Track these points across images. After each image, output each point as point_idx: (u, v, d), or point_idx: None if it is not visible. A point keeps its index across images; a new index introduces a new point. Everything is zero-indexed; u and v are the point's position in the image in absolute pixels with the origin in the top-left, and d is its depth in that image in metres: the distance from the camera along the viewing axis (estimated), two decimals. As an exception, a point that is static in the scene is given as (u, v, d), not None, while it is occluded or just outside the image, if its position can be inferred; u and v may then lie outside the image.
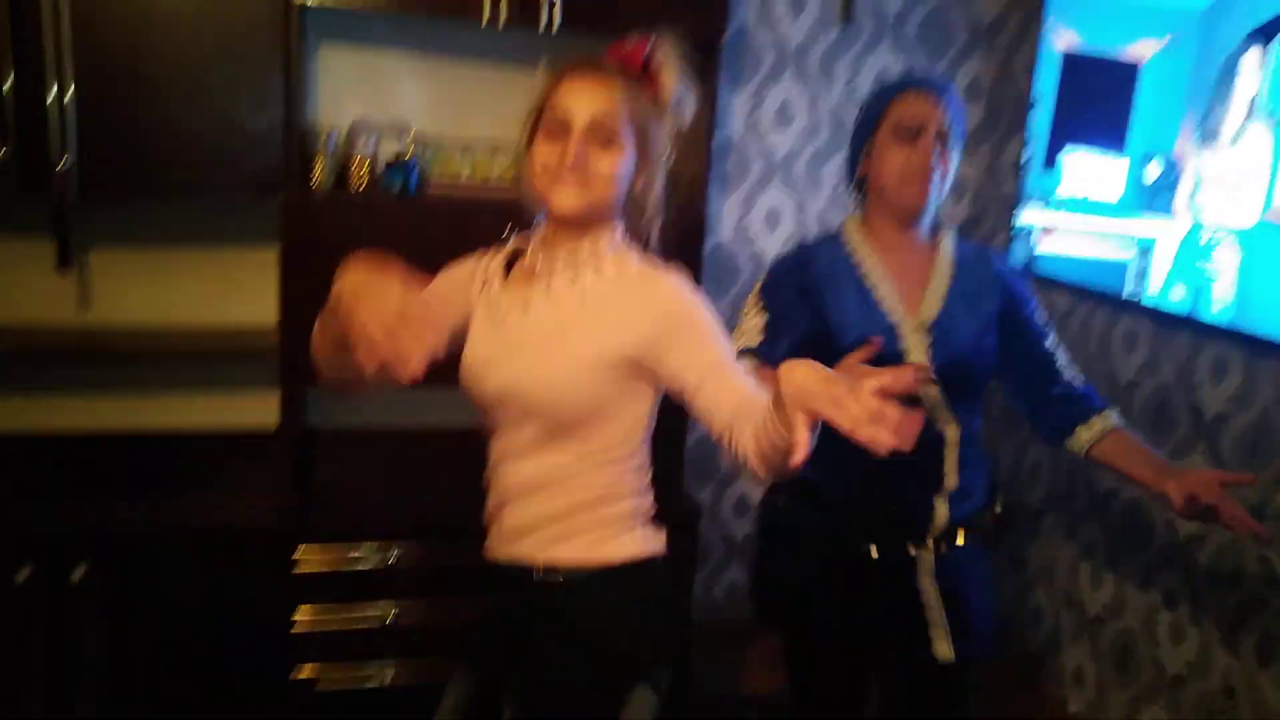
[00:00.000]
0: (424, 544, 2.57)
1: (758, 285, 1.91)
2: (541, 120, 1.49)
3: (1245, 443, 2.33)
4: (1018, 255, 2.93)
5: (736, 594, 3.30)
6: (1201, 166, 2.39)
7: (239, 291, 2.77)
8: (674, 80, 1.52)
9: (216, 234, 2.73)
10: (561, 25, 2.46)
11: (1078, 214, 2.75)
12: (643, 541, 1.59)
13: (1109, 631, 2.78)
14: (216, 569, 2.47)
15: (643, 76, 1.51)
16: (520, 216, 1.64)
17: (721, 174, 2.89)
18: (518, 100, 2.82)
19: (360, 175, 2.62)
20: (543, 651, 1.55)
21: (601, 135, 1.45)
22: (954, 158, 1.82)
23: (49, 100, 2.28)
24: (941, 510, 1.84)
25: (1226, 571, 2.38)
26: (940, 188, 1.82)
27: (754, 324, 1.86)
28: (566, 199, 1.46)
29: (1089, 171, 2.72)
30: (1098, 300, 2.78)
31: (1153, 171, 2.50)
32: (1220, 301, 2.30)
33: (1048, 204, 2.86)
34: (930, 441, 1.82)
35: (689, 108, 1.56)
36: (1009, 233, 3.02)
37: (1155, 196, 2.50)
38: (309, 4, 2.38)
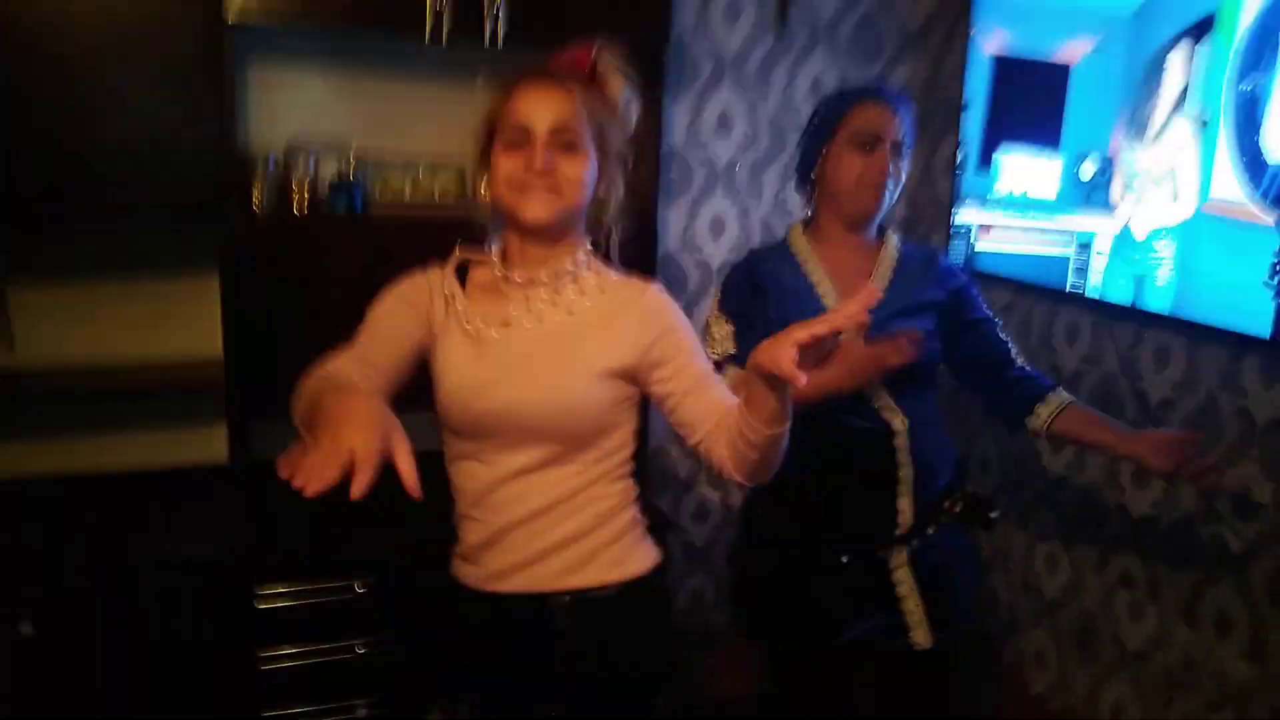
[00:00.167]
0: (389, 574, 2.51)
1: (715, 299, 1.99)
2: (498, 133, 1.48)
3: (1191, 427, 2.42)
4: (956, 253, 3.01)
5: (700, 601, 3.31)
6: (1133, 163, 2.49)
7: (177, 323, 2.67)
8: (620, 84, 1.54)
9: (149, 263, 2.62)
10: (505, 38, 2.43)
11: (1015, 212, 2.83)
12: (651, 551, 1.60)
13: (1068, 613, 2.87)
14: (174, 613, 2.36)
15: (591, 81, 1.52)
16: (469, 232, 1.62)
17: (666, 183, 2.90)
18: (457, 115, 2.79)
19: (302, 197, 2.54)
20: (572, 678, 1.53)
21: (564, 141, 1.45)
22: (905, 167, 1.90)
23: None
24: (905, 509, 1.89)
25: (1181, 549, 2.48)
26: (892, 195, 1.90)
27: (724, 333, 1.93)
28: (538, 208, 1.45)
29: (1025, 170, 2.81)
30: (1038, 294, 2.87)
31: (1088, 169, 2.60)
32: (1160, 292, 2.39)
33: (984, 203, 2.94)
34: (880, 438, 1.86)
35: (635, 111, 1.58)
36: (946, 231, 3.10)
37: (1092, 193, 2.59)
38: (245, 21, 2.29)
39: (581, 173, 1.47)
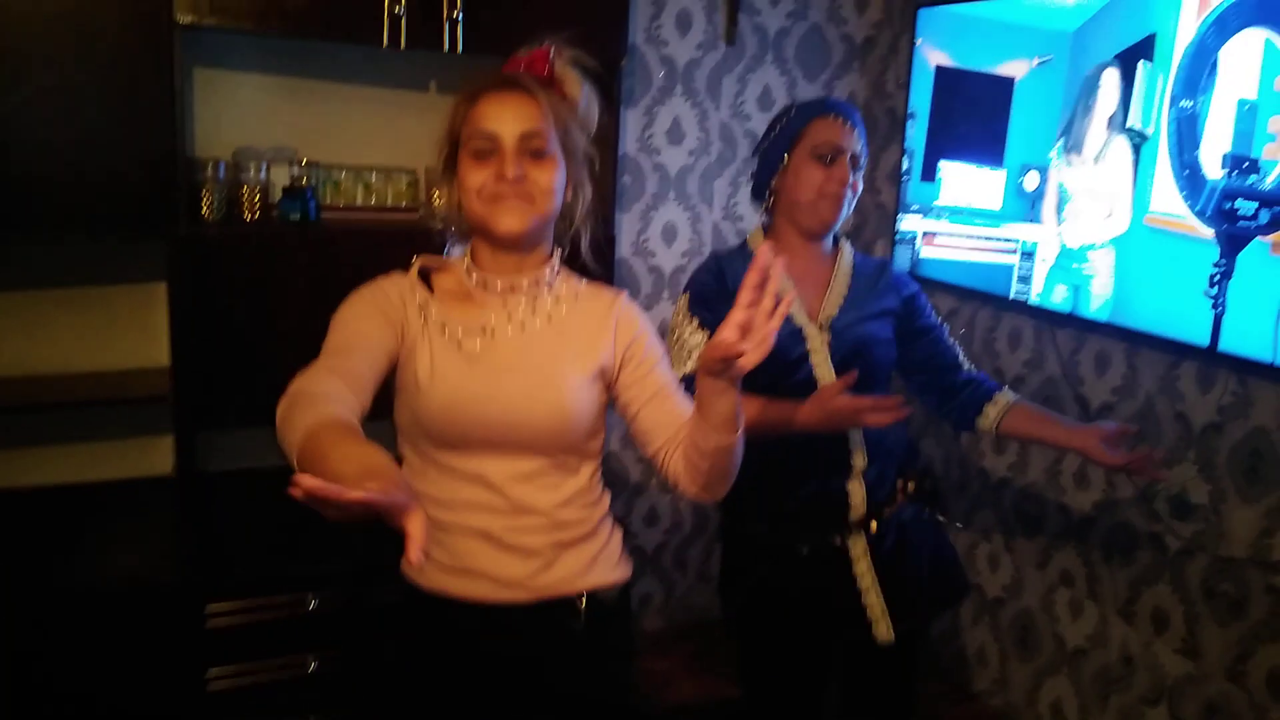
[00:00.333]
0: (341, 588, 2.47)
1: (684, 301, 1.98)
2: (463, 143, 1.46)
3: (1131, 429, 2.53)
4: (901, 259, 3.07)
5: (650, 604, 3.33)
6: (1066, 179, 2.58)
7: (121, 332, 2.59)
8: (579, 84, 1.53)
9: (93, 272, 2.54)
10: (465, 46, 2.41)
11: (960, 220, 2.90)
12: (627, 555, 1.63)
13: (1009, 611, 2.95)
14: (120, 634, 2.29)
15: (551, 84, 1.51)
16: (426, 238, 1.61)
17: (620, 190, 2.91)
18: (408, 120, 2.77)
19: (253, 205, 2.49)
20: (577, 681, 1.53)
21: (533, 149, 1.44)
22: (860, 179, 1.94)
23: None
24: (857, 492, 1.93)
25: (1120, 548, 2.58)
26: (850, 206, 1.94)
27: (699, 340, 1.92)
28: (513, 219, 1.44)
29: (968, 181, 2.88)
30: (981, 300, 2.95)
31: (1031, 181, 2.68)
32: (1098, 299, 2.48)
33: (928, 211, 3.01)
34: (833, 432, 1.90)
35: (595, 110, 1.57)
36: (891, 238, 3.17)
37: (1035, 205, 2.67)
38: (196, 24, 2.24)
39: (552, 179, 1.46)
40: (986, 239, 2.83)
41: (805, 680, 2.07)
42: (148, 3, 2.19)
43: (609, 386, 1.54)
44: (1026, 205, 2.70)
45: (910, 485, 2.03)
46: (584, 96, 1.54)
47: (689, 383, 1.86)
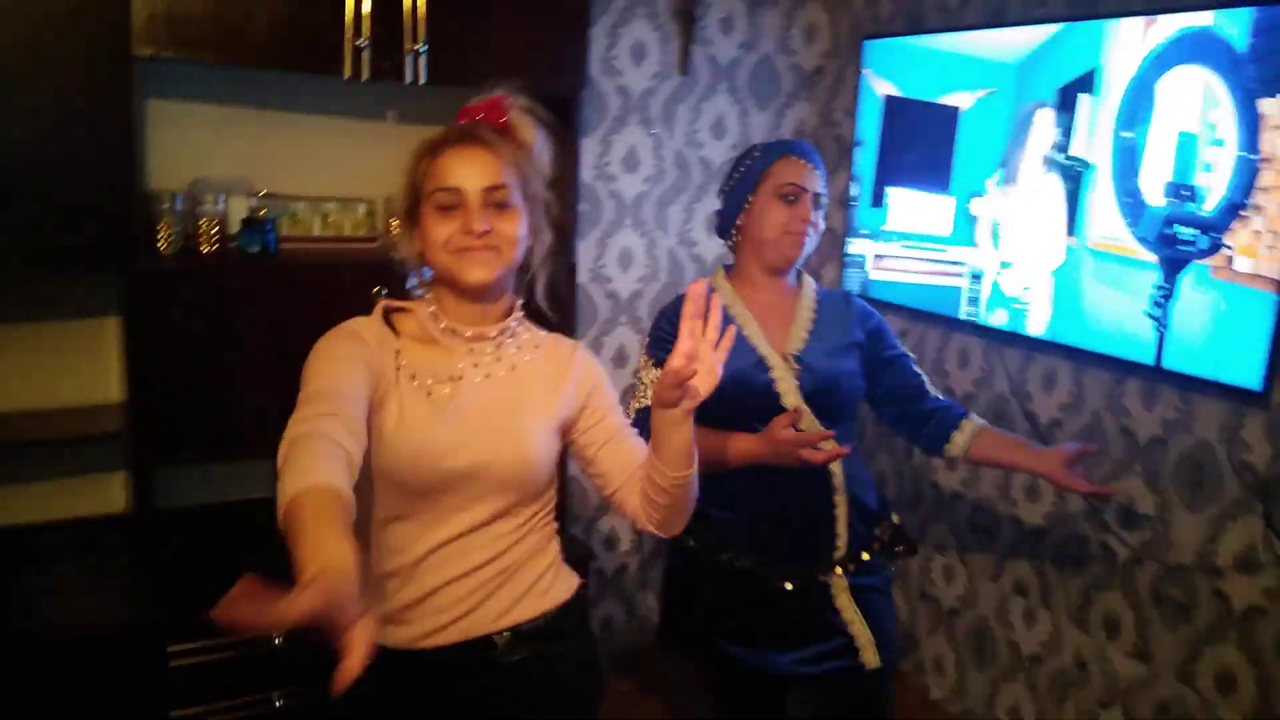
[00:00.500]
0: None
1: (646, 345, 2.05)
2: (425, 196, 1.48)
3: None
4: (851, 281, 3.16)
5: (612, 627, 3.35)
6: (1003, 209, 2.70)
7: (69, 370, 2.52)
8: (532, 129, 1.56)
9: (39, 309, 2.47)
10: (428, 79, 2.43)
11: (909, 244, 3.00)
12: (570, 575, 1.67)
13: (964, 621, 3.05)
14: (80, 678, 2.23)
15: (507, 132, 1.54)
16: (387, 270, 1.61)
17: (577, 217, 2.94)
18: (364, 151, 2.76)
19: (210, 238, 2.46)
20: (523, 709, 1.56)
21: (496, 200, 1.47)
22: (822, 217, 2.01)
23: None
24: (843, 534, 1.99)
25: (1071, 557, 2.68)
26: (813, 243, 2.00)
27: (653, 378, 1.97)
28: (481, 271, 1.47)
29: (915, 206, 2.98)
30: (930, 320, 3.05)
31: (977, 208, 2.79)
32: (1044, 321, 2.59)
33: (876, 236, 3.10)
34: (815, 471, 1.96)
35: (548, 154, 1.60)
36: (840, 262, 3.25)
37: (978, 230, 2.78)
38: (155, 55, 2.21)
39: (517, 230, 1.49)
40: (935, 262, 2.93)
41: (773, 709, 2.13)
42: (106, 35, 2.16)
43: (566, 433, 1.59)
44: (973, 230, 2.81)
45: (886, 535, 2.10)
46: (538, 142, 1.57)
47: (645, 415, 1.91)
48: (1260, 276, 2.10)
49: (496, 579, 1.53)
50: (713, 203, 3.23)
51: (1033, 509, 2.78)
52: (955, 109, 2.84)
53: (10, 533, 2.50)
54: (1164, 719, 2.49)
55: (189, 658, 2.32)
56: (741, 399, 1.92)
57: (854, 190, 3.18)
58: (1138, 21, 2.32)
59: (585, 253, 3.06)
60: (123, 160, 2.23)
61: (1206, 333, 2.22)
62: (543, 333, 1.62)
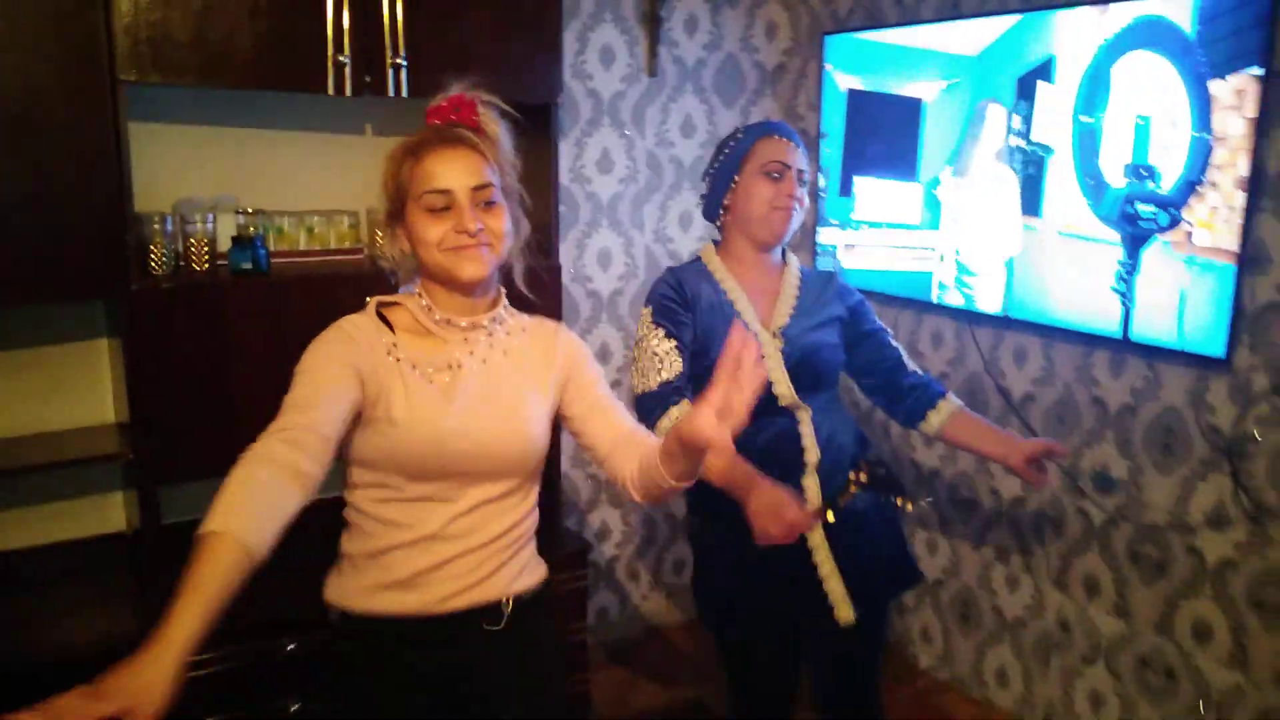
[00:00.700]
0: (317, 628, 2.47)
1: (647, 314, 2.09)
2: (412, 198, 1.54)
3: (1052, 416, 2.76)
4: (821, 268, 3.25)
5: (606, 617, 3.42)
6: (965, 195, 2.82)
7: (62, 393, 2.53)
8: (498, 127, 1.61)
9: (29, 334, 2.47)
10: (409, 91, 2.47)
11: (879, 231, 3.10)
12: (540, 559, 1.75)
13: (949, 590, 3.17)
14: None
15: (481, 133, 1.59)
16: (378, 279, 1.68)
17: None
18: (344, 163, 2.79)
19: (200, 256, 2.49)
20: (516, 676, 1.65)
21: (483, 200, 1.54)
22: (805, 194, 2.09)
23: None
24: (811, 487, 2.06)
25: (1049, 523, 2.81)
26: (798, 218, 2.08)
27: (666, 348, 2.04)
28: (476, 267, 1.54)
29: (883, 195, 3.09)
30: (903, 304, 3.16)
31: (942, 194, 2.90)
32: (1008, 301, 2.71)
33: (845, 225, 3.20)
34: (789, 430, 2.04)
35: (509, 145, 1.63)
36: (811, 252, 3.35)
37: (942, 217, 2.89)
38: (141, 80, 2.23)
39: (504, 225, 1.57)
40: (905, 248, 3.04)
41: (779, 664, 2.21)
42: (90, 61, 2.17)
43: (557, 408, 1.67)
44: (939, 216, 2.92)
45: (862, 475, 2.17)
46: (504, 136, 1.62)
47: (663, 390, 2.00)
48: (1218, 249, 2.23)
49: (508, 549, 1.62)
50: (686, 200, 3.32)
51: (1011, 480, 2.90)
52: (919, 100, 2.94)
53: (11, 556, 2.51)
54: (1144, 671, 2.62)
55: (202, 669, 2.35)
56: None
57: (822, 181, 3.28)
58: (1091, 10, 2.44)
59: (565, 254, 3.12)
60: (113, 185, 2.24)
61: (1170, 304, 2.34)
62: (526, 317, 1.70)
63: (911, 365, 2.22)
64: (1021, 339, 2.82)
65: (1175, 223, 2.31)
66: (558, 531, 2.99)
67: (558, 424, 1.71)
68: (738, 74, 3.34)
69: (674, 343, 2.04)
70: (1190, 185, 2.27)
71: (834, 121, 3.21)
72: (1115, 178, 2.42)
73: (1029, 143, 2.62)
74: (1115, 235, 2.43)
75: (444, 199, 1.51)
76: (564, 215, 3.09)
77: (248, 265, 2.48)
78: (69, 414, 2.56)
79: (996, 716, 3.01)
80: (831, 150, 3.23)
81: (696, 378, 2.03)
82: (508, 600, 1.63)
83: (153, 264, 2.43)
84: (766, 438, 2.02)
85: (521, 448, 1.59)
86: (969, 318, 2.93)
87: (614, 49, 3.10)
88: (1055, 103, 2.54)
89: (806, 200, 2.11)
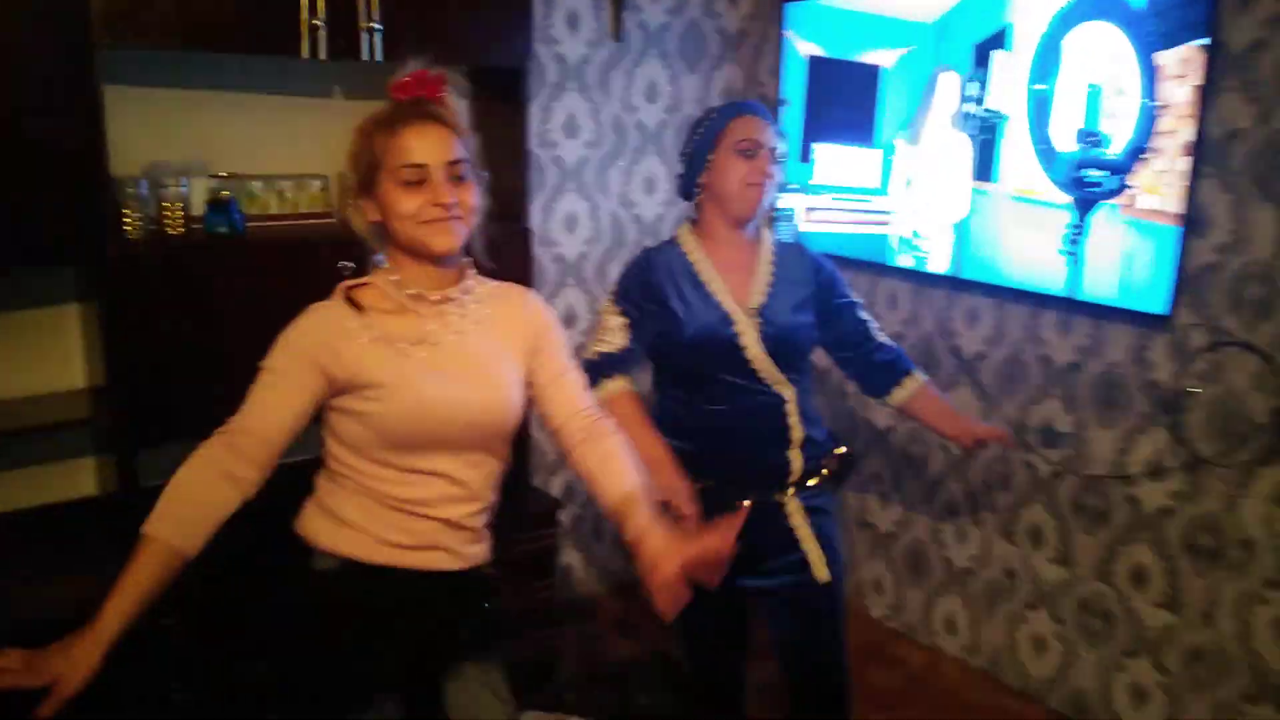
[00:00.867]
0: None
1: (611, 291, 2.19)
2: (386, 171, 1.59)
3: (1002, 374, 2.89)
4: (783, 234, 3.34)
5: (572, 574, 3.51)
6: (911, 163, 2.92)
7: (30, 359, 2.52)
8: (455, 100, 1.68)
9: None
10: (384, 54, 2.49)
11: (838, 196, 3.20)
12: None
13: (900, 543, 3.30)
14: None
15: (444, 106, 1.65)
16: (350, 243, 1.73)
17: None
18: (312, 127, 2.80)
19: (175, 220, 2.49)
20: (471, 622, 1.76)
21: (456, 173, 1.60)
22: (779, 172, 2.17)
23: None
24: (797, 460, 2.18)
25: (998, 477, 2.95)
26: (772, 195, 2.16)
27: (616, 324, 2.14)
28: (449, 239, 1.60)
29: (842, 161, 3.18)
30: (860, 267, 3.26)
31: (899, 160, 2.99)
32: (961, 263, 2.83)
33: (805, 190, 3.29)
34: (774, 406, 2.14)
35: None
36: (770, 215, 3.43)
37: (898, 182, 2.99)
38: (116, 42, 2.22)
39: (475, 198, 1.64)
40: (862, 212, 3.13)
41: (735, 622, 2.34)
42: (66, 25, 2.16)
43: (525, 373, 1.75)
44: (896, 181, 3.02)
45: (833, 465, 2.29)
46: (462, 113, 1.68)
47: (601, 361, 2.10)
48: (1163, 212, 2.36)
49: (486, 514, 1.73)
50: (650, 165, 3.38)
51: (961, 436, 3.03)
52: (877, 67, 3.03)
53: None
54: (1084, 615, 2.78)
55: (178, 630, 2.39)
56: (708, 352, 2.10)
57: (782, 147, 3.35)
58: (1044, -18, 2.54)
59: (532, 218, 3.16)
60: (88, 149, 2.24)
61: (1116, 265, 2.47)
62: (493, 283, 1.76)
63: (881, 338, 2.30)
64: (974, 300, 2.94)
65: (1123, 187, 2.43)
66: (528, 491, 3.06)
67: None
68: (700, 39, 3.39)
69: (625, 321, 2.13)
70: (1138, 151, 2.39)
71: (795, 88, 3.29)
72: (1066, 144, 2.53)
73: (985, 109, 2.72)
74: (1066, 199, 2.55)
75: (418, 173, 1.57)
76: (530, 180, 3.13)
77: (224, 229, 2.49)
78: (37, 380, 2.55)
79: (945, 662, 3.16)
80: (792, 116, 3.31)
81: (664, 354, 2.16)
82: (487, 564, 1.75)
83: (127, 228, 2.43)
84: (753, 415, 2.12)
85: (501, 414, 1.67)
86: (923, 280, 3.04)
87: (580, 13, 3.13)
88: (1010, 70, 2.64)
89: (779, 177, 2.18)
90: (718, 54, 3.44)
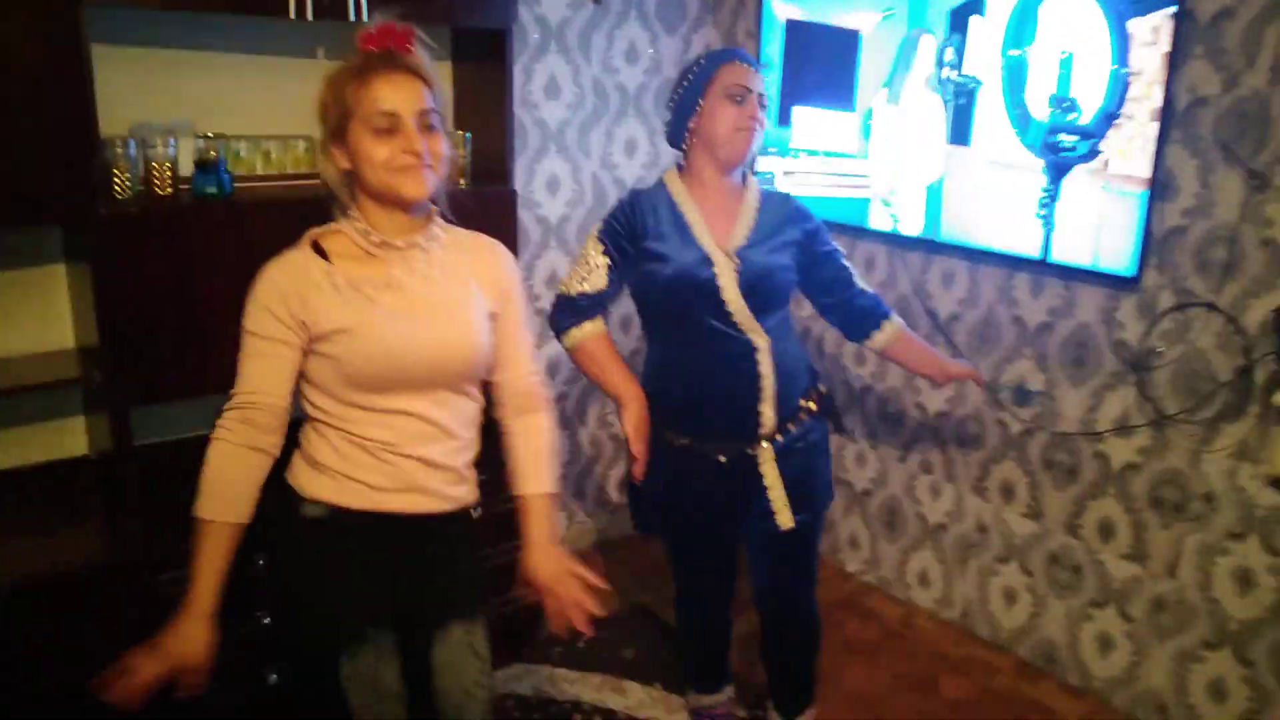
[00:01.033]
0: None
1: (597, 229, 2.22)
2: (358, 119, 1.63)
3: (976, 335, 2.96)
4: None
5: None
6: (890, 125, 2.97)
7: (17, 319, 2.53)
8: (426, 55, 1.71)
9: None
10: (369, 12, 2.49)
11: (817, 159, 3.24)
12: None
13: (876, 500, 3.39)
14: (72, 616, 2.31)
15: (415, 58, 1.70)
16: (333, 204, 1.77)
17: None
18: (295, 88, 2.81)
19: (163, 181, 2.50)
20: (459, 572, 1.86)
21: (426, 123, 1.65)
22: (765, 117, 2.21)
23: None
24: (768, 413, 2.23)
25: (971, 435, 3.03)
26: (759, 140, 2.20)
27: (598, 263, 2.19)
28: (420, 186, 1.66)
29: (821, 124, 3.22)
30: (838, 230, 3.31)
31: (876, 124, 3.04)
32: (936, 226, 2.89)
33: (783, 153, 3.33)
34: (745, 355, 2.20)
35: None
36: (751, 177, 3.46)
37: (875, 144, 3.04)
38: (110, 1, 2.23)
39: (445, 147, 1.69)
40: (841, 175, 3.18)
41: (716, 566, 2.45)
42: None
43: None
44: (873, 144, 3.06)
45: (812, 404, 2.34)
46: (430, 66, 1.72)
47: (581, 301, 2.17)
48: (1132, 177, 2.42)
49: (465, 451, 1.80)
50: (630, 127, 3.41)
51: (935, 395, 3.11)
52: (855, 32, 3.06)
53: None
54: (1054, 568, 2.88)
55: (173, 586, 2.42)
56: (686, 293, 2.15)
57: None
58: (1021, -51, 2.58)
59: (515, 180, 3.18)
60: (76, 109, 2.23)
61: (1087, 228, 2.54)
62: (461, 231, 1.82)
63: (861, 284, 2.37)
64: (949, 262, 3.01)
65: (1095, 153, 2.49)
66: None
67: None
68: (679, 1, 3.41)
69: (608, 261, 2.18)
70: (1109, 117, 2.44)
71: (773, 51, 3.32)
72: (1040, 110, 2.58)
73: (960, 74, 2.77)
74: (1039, 164, 2.61)
75: (390, 120, 1.61)
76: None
77: (213, 189, 2.51)
78: (26, 340, 2.57)
79: (918, 614, 3.26)
80: (770, 79, 3.34)
81: (644, 294, 2.22)
82: (473, 505, 1.83)
83: (117, 189, 2.44)
84: (726, 363, 2.17)
85: (470, 354, 1.73)
86: (900, 242, 3.10)
87: (560, -25, 3.15)
88: (986, 36, 2.69)
89: (767, 123, 2.22)
90: (696, 15, 3.46)
